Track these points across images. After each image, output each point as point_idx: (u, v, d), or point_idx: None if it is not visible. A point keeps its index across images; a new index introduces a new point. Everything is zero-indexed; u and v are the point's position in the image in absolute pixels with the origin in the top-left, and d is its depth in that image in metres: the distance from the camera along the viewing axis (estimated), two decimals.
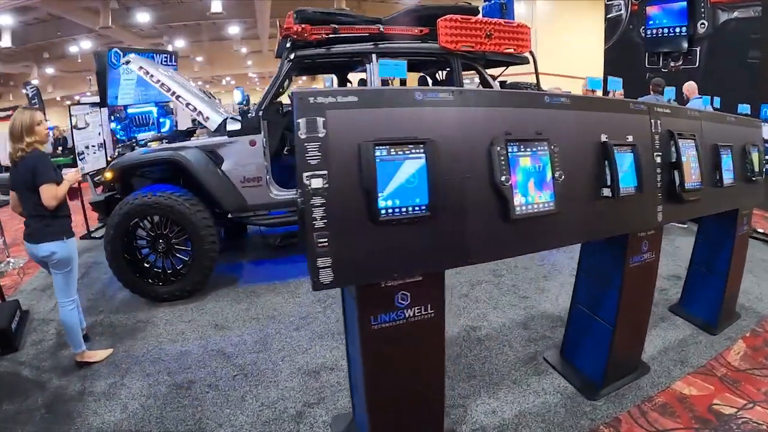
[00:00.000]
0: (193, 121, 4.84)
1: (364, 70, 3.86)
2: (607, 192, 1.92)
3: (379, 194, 1.32)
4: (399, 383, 1.56)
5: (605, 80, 5.90)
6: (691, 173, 2.28)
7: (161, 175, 3.67)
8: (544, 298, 3.33)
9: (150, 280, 3.44)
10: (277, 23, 3.55)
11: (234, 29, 16.72)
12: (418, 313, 1.49)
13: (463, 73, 3.97)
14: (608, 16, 7.17)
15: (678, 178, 2.22)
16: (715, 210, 2.52)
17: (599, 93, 6.18)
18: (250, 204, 3.62)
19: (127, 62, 3.47)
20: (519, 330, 2.87)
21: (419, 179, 1.35)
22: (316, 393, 2.32)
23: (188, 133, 4.14)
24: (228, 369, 2.58)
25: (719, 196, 2.49)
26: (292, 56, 3.48)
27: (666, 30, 6.18)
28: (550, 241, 1.77)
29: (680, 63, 6.00)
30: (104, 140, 5.04)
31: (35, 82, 14.48)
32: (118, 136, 5.05)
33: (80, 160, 4.80)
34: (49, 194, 2.43)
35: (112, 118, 4.98)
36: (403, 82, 3.29)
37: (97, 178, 4.39)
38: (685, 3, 6.00)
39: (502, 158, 1.50)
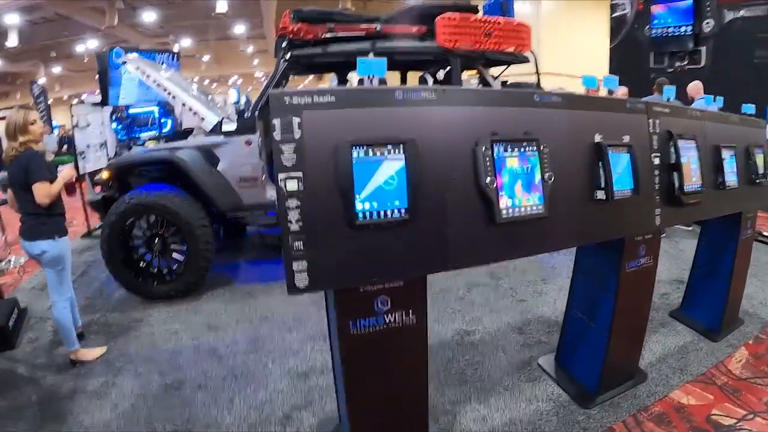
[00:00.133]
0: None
1: None
2: (600, 194, 1.86)
3: (357, 197, 1.28)
4: (380, 390, 1.52)
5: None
6: (692, 175, 2.21)
7: (159, 175, 3.67)
8: (542, 301, 3.27)
9: (146, 280, 3.45)
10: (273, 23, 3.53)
11: (240, 29, 16.77)
12: (399, 318, 1.45)
13: (469, 72, 3.91)
14: (613, 15, 7.06)
15: (677, 180, 2.15)
16: (716, 213, 2.45)
17: (605, 92, 6.09)
18: (247, 204, 3.61)
19: (124, 62, 3.48)
20: (514, 334, 2.81)
21: (398, 181, 1.31)
22: (305, 396, 2.29)
23: (186, 133, 4.14)
24: (218, 370, 2.57)
25: (721, 198, 2.42)
26: (288, 56, 3.46)
27: (671, 29, 6.06)
28: (540, 246, 1.72)
29: (686, 63, 5.88)
30: (106, 140, 5.06)
31: (42, 81, 14.68)
32: (118, 137, 5.07)
33: (81, 159, 4.82)
34: (42, 192, 2.45)
35: (113, 117, 4.99)
36: (382, 81, 3.23)
37: (96, 178, 4.41)
38: (690, 2, 5.89)
39: (487, 159, 1.46)
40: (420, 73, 5.38)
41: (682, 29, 5.96)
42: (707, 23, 5.69)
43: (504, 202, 1.50)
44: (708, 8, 5.75)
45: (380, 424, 1.57)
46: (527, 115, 1.63)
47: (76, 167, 4.85)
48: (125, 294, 3.53)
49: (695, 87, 4.53)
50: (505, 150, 1.52)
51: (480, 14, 3.98)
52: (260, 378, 2.47)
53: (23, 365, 2.74)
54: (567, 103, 1.77)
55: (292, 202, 1.26)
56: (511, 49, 3.88)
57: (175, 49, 16.56)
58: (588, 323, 2.24)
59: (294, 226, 1.27)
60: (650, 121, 2.10)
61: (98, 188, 3.82)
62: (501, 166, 1.50)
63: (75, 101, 11.01)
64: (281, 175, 1.25)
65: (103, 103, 5.12)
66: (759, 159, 2.55)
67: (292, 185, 1.26)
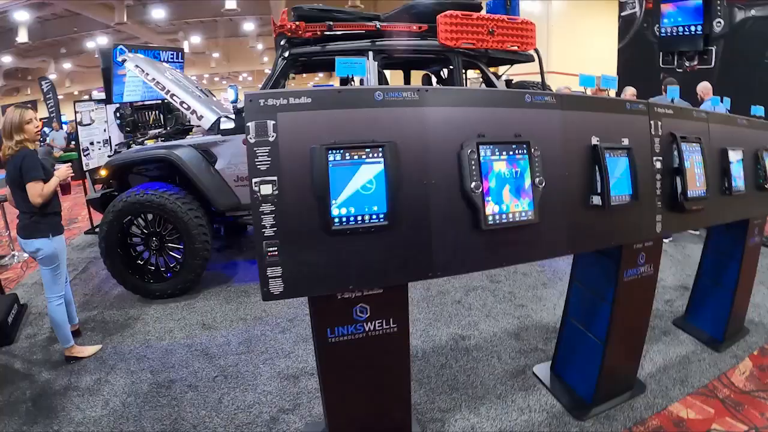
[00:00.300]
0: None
1: None
2: (597, 200, 1.79)
3: (333, 202, 1.23)
4: (361, 399, 1.49)
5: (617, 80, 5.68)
6: (696, 180, 2.12)
7: (158, 173, 3.68)
8: (541, 306, 3.20)
9: (143, 278, 3.46)
10: (271, 20, 3.50)
11: (249, 26, 16.83)
12: (379, 327, 1.40)
13: (476, 71, 3.84)
14: (622, 14, 6.88)
15: (680, 185, 2.06)
16: (721, 220, 2.35)
17: (612, 93, 5.96)
18: (244, 203, 3.59)
19: (124, 61, 3.48)
20: (510, 341, 2.75)
21: (377, 186, 1.26)
22: (293, 399, 2.27)
23: (185, 131, 4.14)
24: (209, 370, 2.56)
25: (727, 204, 2.32)
26: (286, 54, 3.42)
27: (681, 28, 5.89)
28: (530, 254, 1.66)
29: (695, 63, 5.71)
30: (109, 137, 5.09)
31: (52, 77, 14.87)
32: (127, 134, 5.08)
33: (85, 156, 4.86)
34: (34, 192, 2.45)
35: (117, 114, 5.01)
36: (343, 82, 3.18)
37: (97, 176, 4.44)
38: (700, 1, 5.72)
39: (473, 163, 1.40)
40: (424, 72, 5.34)
41: (692, 29, 5.79)
42: (717, 22, 5.51)
43: (490, 207, 1.44)
44: (718, 7, 5.57)
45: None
46: (518, 117, 1.57)
47: (80, 164, 4.91)
48: (123, 291, 3.54)
49: (705, 88, 4.40)
50: (493, 153, 1.46)
51: (483, 12, 3.90)
52: (250, 379, 2.45)
53: (20, 360, 2.77)
54: (561, 103, 1.70)
55: (267, 207, 1.23)
56: (514, 48, 3.79)
57: (185, 46, 16.70)
58: (584, 332, 2.17)
59: (268, 232, 1.23)
60: (652, 122, 2.02)
61: (99, 186, 3.84)
62: (488, 170, 1.44)
63: (86, 97, 11.14)
64: (255, 180, 1.22)
65: (108, 100, 5.14)
66: (767, 163, 2.45)
67: (266, 189, 1.22)
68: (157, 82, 3.43)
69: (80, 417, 2.20)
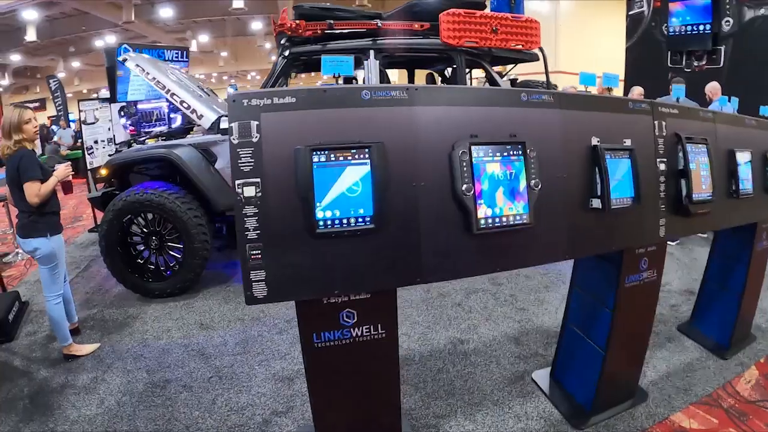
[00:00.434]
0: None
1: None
2: (596, 203, 1.73)
3: (317, 204, 1.20)
4: (348, 404, 1.45)
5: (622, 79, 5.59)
6: (701, 182, 2.05)
7: (159, 173, 3.68)
8: (543, 310, 3.14)
9: (143, 276, 3.46)
10: (271, 20, 3.48)
11: (257, 25, 16.87)
12: (366, 332, 1.37)
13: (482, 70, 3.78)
14: (630, 12, 6.75)
15: (685, 187, 1.99)
16: (728, 224, 2.28)
17: (618, 92, 5.86)
18: None
19: (124, 60, 3.48)
20: (510, 345, 2.70)
21: (363, 188, 1.23)
22: (287, 401, 2.24)
23: (186, 131, 4.14)
24: (204, 370, 2.55)
25: (735, 208, 2.25)
26: (286, 53, 3.40)
27: (689, 27, 5.76)
28: (525, 259, 1.60)
29: (704, 62, 5.57)
30: (114, 135, 5.11)
31: (61, 75, 15.03)
32: (134, 131, 5.11)
33: (89, 154, 4.89)
34: (32, 192, 2.46)
35: (122, 113, 5.04)
36: (347, 81, 3.14)
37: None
38: None
39: (464, 164, 1.35)
40: (428, 71, 5.28)
41: (701, 27, 5.66)
42: (726, 21, 5.37)
43: (483, 211, 1.40)
44: (727, 6, 5.43)
45: None
46: (514, 116, 1.52)
47: (84, 163, 4.94)
48: (124, 290, 3.55)
49: (713, 88, 4.28)
50: (486, 154, 1.42)
51: (487, 10, 3.85)
52: (245, 380, 2.43)
53: (19, 358, 2.79)
54: (560, 102, 1.65)
55: (250, 209, 1.20)
56: (519, 46, 3.73)
57: (193, 45, 16.79)
58: (584, 339, 2.11)
59: (251, 234, 1.20)
60: (656, 122, 1.95)
61: (101, 185, 3.86)
62: (480, 172, 1.40)
63: (94, 96, 11.26)
64: (238, 181, 1.19)
65: (112, 98, 5.17)
66: None
67: (249, 191, 1.19)
68: (158, 81, 3.43)
69: (75, 415, 2.21)
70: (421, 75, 5.36)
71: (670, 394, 2.21)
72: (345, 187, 1.21)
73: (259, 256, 1.21)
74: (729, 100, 2.69)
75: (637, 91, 4.66)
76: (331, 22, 3.39)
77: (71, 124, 9.34)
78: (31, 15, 11.26)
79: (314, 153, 1.19)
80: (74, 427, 2.13)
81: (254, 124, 1.18)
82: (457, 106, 1.41)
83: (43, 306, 3.43)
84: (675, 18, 5.99)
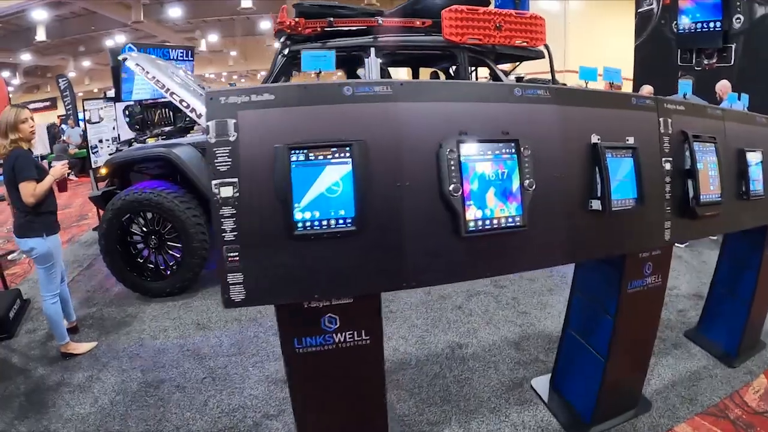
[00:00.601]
0: None
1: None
2: (596, 204, 1.65)
3: (296, 205, 1.15)
4: (332, 413, 1.40)
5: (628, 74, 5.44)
6: (709, 183, 1.95)
7: (159, 172, 3.67)
8: (546, 314, 3.06)
9: (142, 275, 3.46)
10: (272, 18, 3.45)
11: (266, 24, 16.92)
12: (350, 338, 1.32)
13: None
14: (639, 10, 6.59)
15: (692, 188, 1.90)
16: (737, 227, 2.18)
17: (626, 90, 5.71)
18: None
19: (124, 60, 3.48)
20: (510, 350, 2.63)
21: (344, 188, 1.18)
22: (278, 404, 2.21)
23: (186, 130, 4.13)
24: (198, 371, 2.53)
25: (745, 210, 2.15)
26: (286, 51, 3.36)
27: (699, 25, 5.61)
28: (517, 263, 1.54)
29: (714, 60, 5.41)
30: (118, 134, 5.14)
31: (71, 74, 15.26)
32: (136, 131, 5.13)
33: (93, 153, 4.92)
34: (27, 192, 2.46)
35: (126, 112, 5.05)
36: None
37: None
38: None
39: (452, 163, 1.29)
40: (432, 69, 5.22)
41: (711, 25, 5.50)
42: (737, 19, 5.21)
43: (472, 212, 1.34)
44: (738, 3, 5.27)
45: None
46: (506, 113, 1.45)
47: (89, 161, 4.97)
48: (123, 289, 3.55)
49: (724, 86, 4.14)
50: (476, 152, 1.35)
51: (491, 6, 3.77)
52: (238, 382, 2.41)
53: (18, 355, 2.81)
54: (557, 97, 1.57)
55: (227, 210, 1.16)
56: (523, 44, 3.65)
57: (203, 44, 16.90)
58: (585, 345, 2.04)
59: (228, 236, 1.16)
60: (661, 120, 1.86)
61: (102, 184, 3.87)
62: (469, 171, 1.34)
63: (102, 95, 11.38)
64: (215, 181, 1.15)
65: (117, 98, 5.19)
66: None
67: (226, 192, 1.15)
68: (158, 80, 3.42)
69: (69, 413, 2.21)
70: (426, 73, 5.30)
71: (675, 404, 2.12)
72: (324, 187, 1.16)
73: (237, 258, 1.17)
74: (739, 98, 2.58)
75: (646, 90, 4.53)
76: (331, 19, 3.35)
77: (80, 123, 9.46)
78: (40, 15, 11.43)
79: (292, 152, 1.14)
80: (67, 425, 2.14)
81: (231, 122, 1.14)
82: (446, 102, 1.34)
83: None
84: (685, 15, 5.84)
